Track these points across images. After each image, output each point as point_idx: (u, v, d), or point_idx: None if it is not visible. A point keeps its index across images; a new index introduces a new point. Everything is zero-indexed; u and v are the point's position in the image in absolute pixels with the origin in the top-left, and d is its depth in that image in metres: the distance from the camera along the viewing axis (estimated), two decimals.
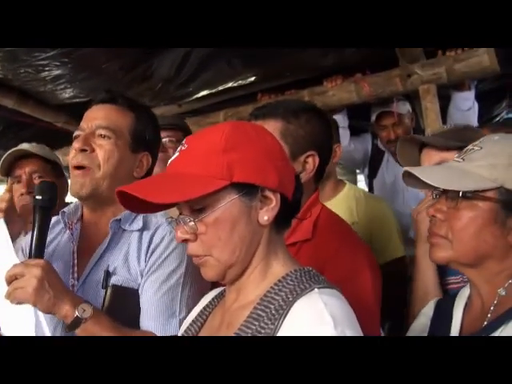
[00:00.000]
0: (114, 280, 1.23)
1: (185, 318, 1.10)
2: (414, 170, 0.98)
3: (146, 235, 1.28)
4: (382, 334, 1.73)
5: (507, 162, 0.92)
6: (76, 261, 1.28)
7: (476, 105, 2.52)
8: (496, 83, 2.97)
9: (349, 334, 0.74)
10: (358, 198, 2.04)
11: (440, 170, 1.05)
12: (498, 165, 0.93)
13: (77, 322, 1.08)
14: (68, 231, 1.33)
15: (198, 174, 0.80)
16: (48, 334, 1.12)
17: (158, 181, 0.87)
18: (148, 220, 1.31)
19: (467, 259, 0.95)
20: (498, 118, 3.63)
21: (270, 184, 0.82)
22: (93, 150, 1.28)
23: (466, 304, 1.04)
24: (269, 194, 0.83)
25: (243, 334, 0.79)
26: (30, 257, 1.15)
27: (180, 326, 1.12)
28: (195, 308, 1.03)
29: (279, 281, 0.83)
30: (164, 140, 2.02)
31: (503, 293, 0.94)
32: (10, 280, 1.09)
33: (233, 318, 0.85)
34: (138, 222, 1.30)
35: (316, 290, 0.79)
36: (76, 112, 2.24)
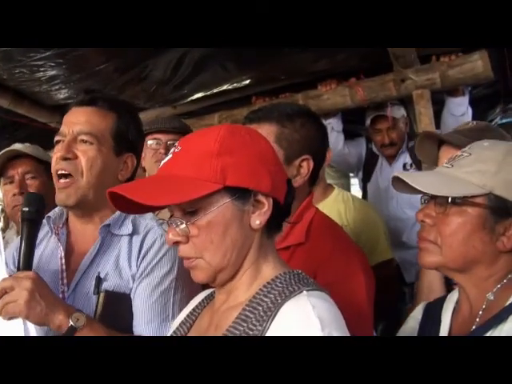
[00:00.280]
0: (105, 285, 1.22)
1: None
2: (404, 176, 0.98)
3: (137, 239, 1.27)
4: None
5: (496, 168, 0.93)
6: (64, 266, 1.26)
7: (470, 110, 2.52)
8: (490, 89, 2.99)
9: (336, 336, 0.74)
10: (346, 202, 2.07)
11: (429, 175, 1.05)
12: (486, 171, 0.93)
13: (71, 332, 1.06)
14: (54, 236, 1.31)
15: (192, 176, 0.80)
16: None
17: (151, 182, 0.88)
18: (137, 223, 1.29)
19: (456, 264, 0.96)
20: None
21: (263, 188, 0.83)
22: (76, 157, 1.25)
23: (455, 308, 1.04)
24: (261, 198, 0.83)
25: (231, 336, 0.79)
26: (18, 269, 1.12)
27: None
28: (184, 310, 1.03)
29: (268, 283, 0.84)
30: (169, 143, 2.02)
31: (492, 297, 0.94)
32: (0, 295, 1.06)
33: (221, 319, 0.86)
34: (128, 226, 1.28)
35: (305, 292, 0.80)
36: None
